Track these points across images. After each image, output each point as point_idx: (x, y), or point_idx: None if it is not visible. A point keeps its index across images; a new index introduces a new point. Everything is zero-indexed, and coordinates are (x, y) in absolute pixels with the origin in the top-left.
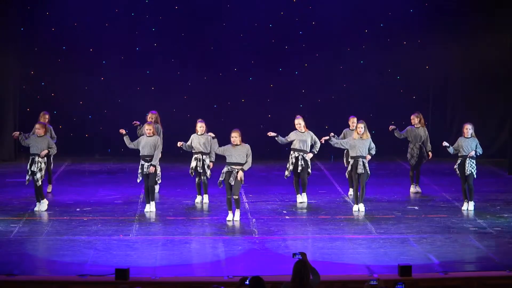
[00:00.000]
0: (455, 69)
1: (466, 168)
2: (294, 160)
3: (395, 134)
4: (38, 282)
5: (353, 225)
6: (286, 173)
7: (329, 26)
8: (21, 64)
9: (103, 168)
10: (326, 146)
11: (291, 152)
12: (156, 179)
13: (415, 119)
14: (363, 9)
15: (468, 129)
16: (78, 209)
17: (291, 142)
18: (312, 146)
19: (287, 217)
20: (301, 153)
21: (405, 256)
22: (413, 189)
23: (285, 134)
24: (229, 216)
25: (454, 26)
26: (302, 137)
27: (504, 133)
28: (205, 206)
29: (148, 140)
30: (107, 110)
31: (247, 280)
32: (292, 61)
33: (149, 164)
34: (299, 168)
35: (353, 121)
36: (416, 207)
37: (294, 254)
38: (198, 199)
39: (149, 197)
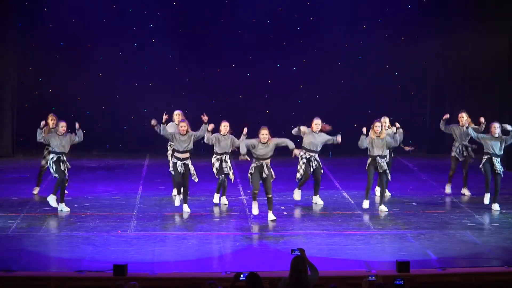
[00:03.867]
0: (453, 65)
1: (497, 167)
2: (305, 161)
3: (441, 123)
4: (36, 278)
5: (351, 221)
6: (298, 175)
7: (327, 22)
8: (19, 60)
9: (101, 164)
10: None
11: (302, 151)
12: (193, 178)
13: (462, 118)
14: (361, 5)
15: (496, 127)
16: (76, 205)
17: (301, 140)
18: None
19: (285, 213)
20: (313, 154)
21: (403, 252)
22: (448, 188)
23: (282, 130)
24: (255, 210)
25: (452, 22)
26: (316, 139)
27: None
28: (224, 208)
29: (183, 138)
30: (105, 106)
31: (242, 276)
32: (290, 57)
33: (182, 163)
34: (311, 169)
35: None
36: (414, 203)
37: (293, 250)
38: (216, 198)
39: (186, 197)
